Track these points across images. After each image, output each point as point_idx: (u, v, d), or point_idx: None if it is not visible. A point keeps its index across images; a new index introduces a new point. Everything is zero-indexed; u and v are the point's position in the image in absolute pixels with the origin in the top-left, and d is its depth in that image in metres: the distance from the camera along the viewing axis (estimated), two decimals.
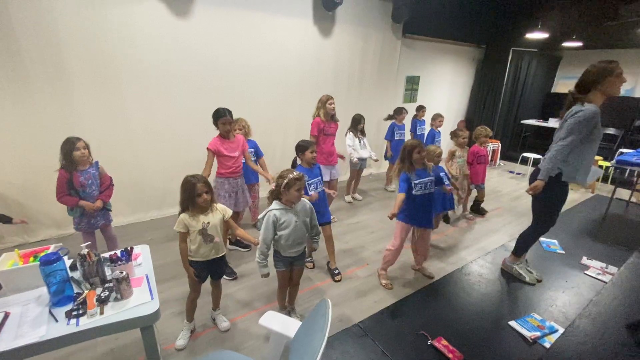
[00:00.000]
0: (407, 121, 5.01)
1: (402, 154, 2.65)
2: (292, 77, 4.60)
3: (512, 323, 2.45)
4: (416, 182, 2.58)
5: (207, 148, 2.80)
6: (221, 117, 2.76)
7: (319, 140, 3.73)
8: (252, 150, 3.36)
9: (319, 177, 2.82)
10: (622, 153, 5.30)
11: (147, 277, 1.73)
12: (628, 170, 5.27)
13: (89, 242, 1.95)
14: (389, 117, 4.88)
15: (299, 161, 2.85)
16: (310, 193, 2.69)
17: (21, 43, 2.88)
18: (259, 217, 2.13)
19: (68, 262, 1.79)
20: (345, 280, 2.95)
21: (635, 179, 4.80)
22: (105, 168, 2.59)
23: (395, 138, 4.86)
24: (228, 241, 3.24)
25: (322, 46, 4.75)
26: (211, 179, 2.31)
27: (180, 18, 3.57)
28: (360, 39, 5.13)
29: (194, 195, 1.88)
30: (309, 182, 2.70)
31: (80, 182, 2.37)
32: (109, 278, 1.67)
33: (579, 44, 6.33)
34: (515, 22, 6.23)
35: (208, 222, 1.95)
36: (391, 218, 2.49)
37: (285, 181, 1.98)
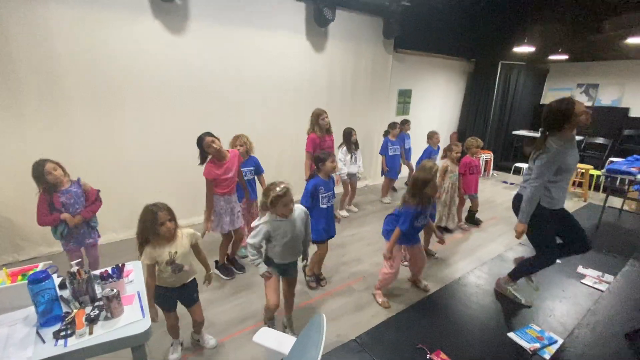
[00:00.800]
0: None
1: (413, 188, 2.53)
2: (287, 92, 4.66)
3: (511, 335, 2.42)
4: (418, 222, 2.61)
5: (205, 176, 2.73)
6: (203, 139, 2.66)
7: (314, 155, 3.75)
8: (253, 168, 3.29)
9: (333, 191, 2.75)
10: (612, 162, 5.39)
11: (138, 295, 1.69)
12: (619, 179, 5.35)
13: (80, 260, 1.91)
14: (386, 133, 4.97)
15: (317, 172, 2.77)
16: (322, 206, 2.65)
17: (16, 63, 2.90)
18: (252, 224, 2.06)
19: (57, 280, 1.75)
20: (342, 293, 2.91)
21: (626, 187, 4.87)
22: (96, 184, 2.55)
23: (390, 153, 4.94)
24: (214, 263, 3.15)
25: (315, 61, 4.84)
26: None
27: (175, 35, 3.62)
28: (352, 54, 5.23)
29: (155, 225, 1.76)
30: (324, 194, 2.64)
31: (62, 202, 2.32)
32: (99, 296, 1.63)
33: (565, 56, 6.52)
34: (503, 37, 6.41)
35: (175, 252, 1.86)
36: (388, 258, 2.57)
37: (269, 200, 1.91)
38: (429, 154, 4.92)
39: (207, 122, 3.91)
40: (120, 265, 1.82)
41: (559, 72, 7.93)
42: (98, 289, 1.68)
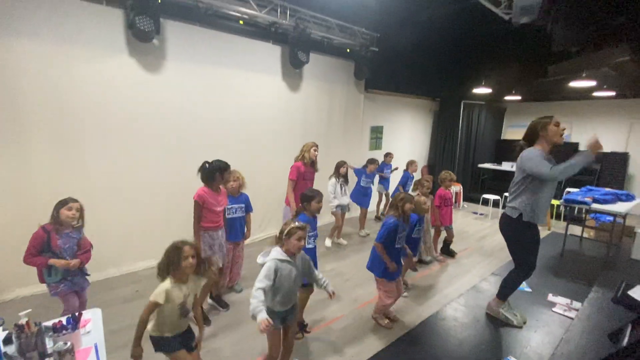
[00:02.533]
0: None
1: (394, 201, 2.78)
2: (263, 129, 4.74)
3: None
4: (400, 235, 2.69)
5: (194, 199, 2.68)
6: (228, 168, 2.79)
7: (297, 184, 3.76)
8: (243, 205, 3.22)
9: (317, 231, 2.70)
10: (568, 192, 5.78)
11: (95, 347, 1.54)
12: (576, 208, 5.72)
13: (72, 304, 1.73)
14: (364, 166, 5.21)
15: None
16: (307, 246, 2.54)
17: None
18: (258, 260, 1.98)
19: (3, 334, 1.57)
20: (320, 334, 2.80)
21: (583, 215, 5.20)
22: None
23: (362, 184, 5.14)
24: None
25: (291, 99, 5.01)
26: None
27: (150, 74, 3.65)
28: (326, 93, 5.48)
29: (179, 259, 1.72)
30: (310, 234, 2.56)
31: (58, 246, 2.17)
32: (49, 351, 1.47)
33: (518, 97, 7.18)
34: (463, 78, 7.00)
35: (188, 294, 1.79)
36: (394, 270, 2.64)
37: (287, 228, 1.93)
38: (406, 179, 5.46)
39: (181, 161, 3.88)
40: (76, 314, 1.67)
41: (515, 111, 8.67)
42: (49, 343, 1.52)
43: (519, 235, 2.72)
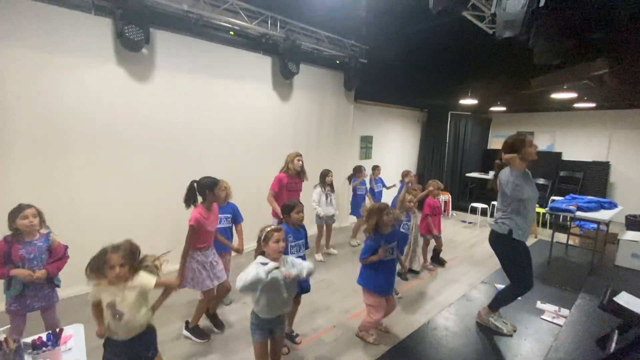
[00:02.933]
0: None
1: (369, 216, 2.65)
2: (253, 139, 4.72)
3: None
4: (387, 248, 2.64)
5: (190, 225, 2.53)
6: (217, 183, 2.66)
7: (283, 195, 3.73)
8: (230, 215, 3.15)
9: (304, 240, 2.62)
10: (553, 200, 5.92)
11: None
12: (561, 216, 5.86)
13: (17, 325, 1.65)
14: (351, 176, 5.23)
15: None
16: (290, 255, 2.47)
17: None
18: (238, 285, 1.87)
19: None
20: (311, 346, 2.75)
21: (568, 223, 5.32)
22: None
23: (357, 192, 5.19)
24: (185, 324, 2.81)
25: (281, 109, 5.03)
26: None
27: (139, 83, 3.62)
28: (316, 103, 5.53)
29: (103, 266, 1.65)
30: (293, 243, 2.52)
31: (20, 256, 2.04)
32: None
33: (503, 108, 7.39)
34: (450, 90, 7.18)
35: (120, 298, 1.68)
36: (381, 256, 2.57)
37: (263, 234, 1.94)
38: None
39: (169, 172, 3.83)
40: (57, 330, 1.60)
41: (500, 121, 8.90)
42: None
43: (511, 250, 2.77)
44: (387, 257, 2.65)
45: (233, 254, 3.23)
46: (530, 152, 2.63)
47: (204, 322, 2.87)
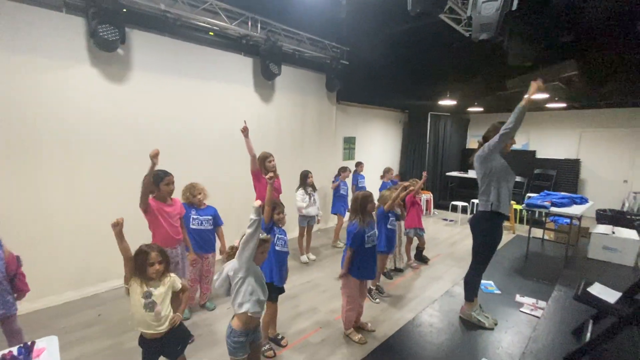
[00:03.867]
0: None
1: (354, 205, 2.74)
2: (235, 141, 4.64)
3: None
4: (369, 234, 2.68)
5: (143, 209, 2.56)
6: (166, 175, 2.66)
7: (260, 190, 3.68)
8: (211, 217, 3.13)
9: (286, 237, 2.64)
10: (529, 197, 6.14)
11: None
12: (537, 212, 6.09)
13: None
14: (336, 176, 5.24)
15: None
16: (276, 248, 2.52)
17: None
18: (215, 285, 1.96)
19: None
20: (298, 347, 2.73)
21: (544, 218, 5.53)
22: (14, 245, 2.17)
23: (340, 192, 5.20)
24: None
25: (264, 111, 4.98)
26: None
27: (114, 84, 3.50)
28: (299, 104, 5.51)
29: (145, 265, 1.82)
30: (280, 236, 2.57)
31: None
32: None
33: (480, 109, 7.62)
34: (430, 91, 7.34)
35: (155, 288, 1.86)
36: (340, 278, 2.50)
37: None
38: (385, 188, 5.33)
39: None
40: (29, 343, 1.52)
41: (478, 122, 9.17)
42: None
43: (489, 228, 2.87)
44: (369, 244, 2.70)
45: (218, 256, 3.17)
46: (509, 144, 2.89)
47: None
